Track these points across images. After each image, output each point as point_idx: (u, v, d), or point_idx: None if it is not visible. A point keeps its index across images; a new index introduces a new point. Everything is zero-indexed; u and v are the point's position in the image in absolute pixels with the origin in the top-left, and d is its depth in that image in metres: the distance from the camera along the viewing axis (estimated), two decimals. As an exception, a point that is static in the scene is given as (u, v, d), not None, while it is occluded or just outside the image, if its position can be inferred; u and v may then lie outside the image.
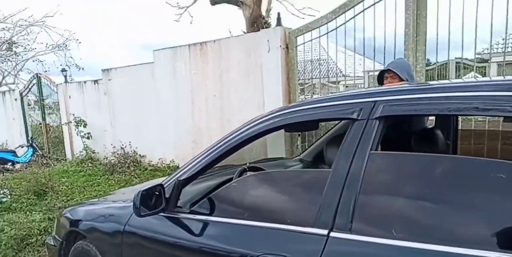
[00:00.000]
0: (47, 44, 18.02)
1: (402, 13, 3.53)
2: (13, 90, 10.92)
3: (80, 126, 7.18)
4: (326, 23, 4.07)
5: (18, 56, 18.91)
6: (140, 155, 6.53)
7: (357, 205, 1.11)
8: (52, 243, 2.51)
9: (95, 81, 7.33)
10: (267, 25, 6.90)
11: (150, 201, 1.60)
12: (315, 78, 5.12)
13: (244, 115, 5.03)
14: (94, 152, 7.08)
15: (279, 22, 4.48)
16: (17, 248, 3.56)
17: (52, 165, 7.53)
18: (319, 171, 1.41)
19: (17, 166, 7.94)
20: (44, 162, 8.13)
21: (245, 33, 6.63)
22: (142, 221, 1.68)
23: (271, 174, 1.61)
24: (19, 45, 18.21)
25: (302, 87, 4.91)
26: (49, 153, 8.82)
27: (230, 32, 7.59)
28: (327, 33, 4.12)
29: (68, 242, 2.35)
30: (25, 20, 17.32)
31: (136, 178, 5.83)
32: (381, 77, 2.60)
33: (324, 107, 1.37)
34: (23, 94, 9.76)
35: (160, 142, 6.30)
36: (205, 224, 1.58)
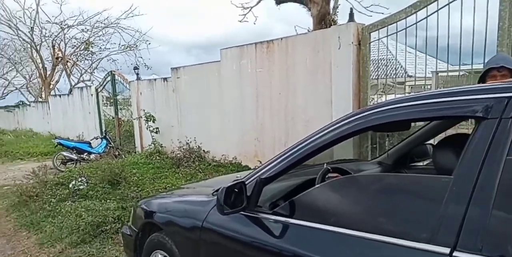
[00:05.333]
0: (119, 44, 19.30)
1: (485, 7, 3.17)
2: (89, 86, 11.77)
3: (150, 121, 7.53)
4: (405, 18, 3.82)
5: (94, 55, 20.49)
6: (204, 150, 6.69)
7: (489, 220, 0.95)
8: (128, 233, 2.61)
9: (165, 79, 7.64)
10: (334, 22, 6.70)
11: (229, 198, 1.57)
12: (382, 78, 4.84)
13: (309, 113, 4.92)
14: (162, 146, 7.38)
15: (351, 18, 4.29)
16: (93, 234, 3.79)
17: (123, 156, 7.98)
18: (430, 178, 1.24)
19: (92, 156, 8.53)
20: (116, 153, 8.65)
21: (309, 31, 6.49)
22: (221, 218, 1.66)
23: (365, 178, 1.48)
24: (95, 45, 19.70)
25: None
26: (120, 145, 9.38)
27: (296, 30, 7.49)
28: (405, 28, 3.85)
29: (143, 233, 2.42)
30: (101, 22, 18.70)
31: (200, 172, 5.97)
32: (483, 77, 2.33)
33: (434, 104, 1.21)
34: (98, 90, 10.48)
35: (223, 139, 6.39)
36: (287, 226, 1.51)
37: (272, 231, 1.56)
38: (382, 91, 5.16)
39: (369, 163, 2.62)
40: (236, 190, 1.59)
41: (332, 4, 7.09)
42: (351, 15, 4.28)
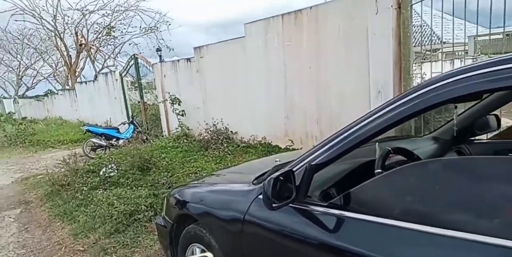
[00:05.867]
0: (140, 27, 19.15)
1: None
2: (114, 71, 11.71)
3: (175, 103, 7.36)
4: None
5: (116, 40, 20.48)
6: (232, 131, 6.47)
7: None
8: (162, 224, 2.44)
9: (188, 59, 7.38)
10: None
11: (274, 189, 1.31)
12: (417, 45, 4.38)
13: (344, 87, 4.57)
14: (189, 129, 7.23)
15: (389, -22, 3.83)
16: (126, 223, 3.68)
17: (151, 141, 7.91)
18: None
19: (120, 142, 8.50)
20: (144, 138, 8.61)
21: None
22: (266, 211, 1.41)
23: (445, 163, 1.17)
24: (116, 29, 19.63)
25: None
26: (147, 129, 9.33)
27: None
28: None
29: (178, 225, 2.23)
30: (121, 6, 18.52)
31: (229, 154, 5.79)
32: None
33: None
34: (123, 74, 10.38)
35: (251, 118, 6.14)
36: (344, 220, 1.25)
37: (327, 226, 1.30)
38: (423, 59, 4.72)
39: (423, 139, 2.29)
40: (282, 178, 1.33)
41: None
42: (389, -25, 3.81)
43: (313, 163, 1.33)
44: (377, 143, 1.70)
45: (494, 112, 2.11)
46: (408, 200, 1.14)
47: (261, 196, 1.53)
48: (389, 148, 1.47)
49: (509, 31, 4.13)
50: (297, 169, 1.37)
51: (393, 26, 3.80)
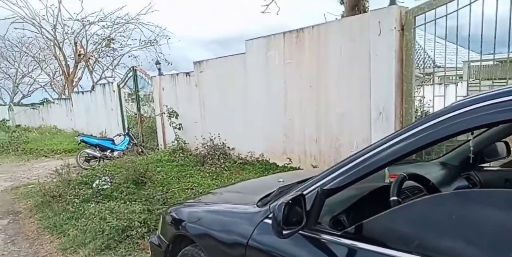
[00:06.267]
0: (140, 40, 19.26)
1: None
2: (111, 82, 11.67)
3: (173, 117, 7.30)
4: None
5: (115, 51, 20.57)
6: (229, 147, 6.40)
7: None
8: (157, 243, 2.34)
9: (187, 74, 7.38)
10: (365, 9, 6.25)
11: (285, 214, 1.24)
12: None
13: (344, 107, 4.55)
14: (185, 143, 7.14)
15: (393, 1, 3.87)
16: (118, 239, 3.56)
17: (147, 154, 7.80)
18: None
19: (115, 153, 8.37)
20: (139, 150, 8.50)
21: (342, 17, 6.07)
22: (272, 237, 1.34)
23: (473, 195, 1.11)
24: (116, 41, 19.73)
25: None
26: (143, 142, 9.22)
27: (325, 18, 7.06)
28: (457, 10, 3.42)
29: (174, 245, 2.14)
30: (122, 18, 18.68)
31: (226, 170, 5.70)
32: None
33: None
34: (120, 86, 10.34)
35: (249, 135, 6.09)
36: (356, 252, 1.18)
37: None
38: (422, 82, 4.75)
39: (431, 164, 2.24)
40: (290, 201, 1.27)
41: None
42: (393, -3, 3.86)
43: (325, 188, 1.27)
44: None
45: (504, 139, 2.09)
46: (428, 233, 1.08)
47: (266, 220, 1.48)
48: (405, 174, 1.41)
49: (500, 58, 4.21)
50: (307, 193, 1.31)
51: (396, 48, 3.82)
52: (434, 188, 1.58)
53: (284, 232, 1.19)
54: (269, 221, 1.46)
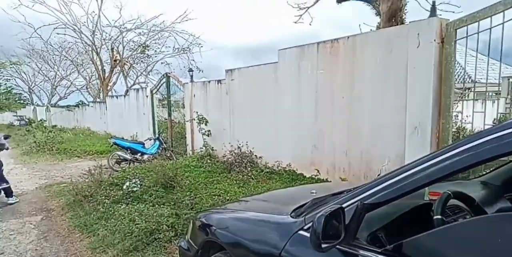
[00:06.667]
0: (173, 47, 19.78)
1: None
2: (145, 88, 11.99)
3: (202, 123, 7.39)
4: (503, 11, 3.27)
5: (149, 58, 21.21)
6: (256, 156, 6.39)
7: None
8: (186, 248, 2.35)
9: (219, 81, 7.47)
10: (402, 21, 6.15)
11: (324, 227, 1.21)
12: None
13: (377, 120, 4.46)
14: (213, 149, 7.21)
15: (433, 13, 3.79)
16: (145, 241, 3.60)
17: (175, 158, 7.91)
18: None
19: (145, 157, 8.55)
20: (168, 155, 8.63)
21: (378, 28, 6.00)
22: (307, 250, 1.32)
23: None
24: (151, 48, 20.35)
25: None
26: (172, 147, 9.38)
27: (360, 29, 7.02)
28: (502, 23, 3.30)
29: (203, 251, 2.14)
30: (158, 26, 19.27)
31: (253, 179, 5.68)
32: None
33: None
34: (153, 91, 10.61)
35: (277, 144, 6.07)
36: None
37: None
38: (460, 97, 4.60)
39: (472, 183, 2.15)
40: (328, 214, 1.24)
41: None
42: (433, 9, 3.78)
43: (366, 202, 1.23)
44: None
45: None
46: (475, 253, 1.03)
47: (301, 232, 1.45)
48: (449, 192, 1.35)
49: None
50: (346, 206, 1.28)
51: (435, 61, 3.72)
52: (479, 208, 1.50)
53: (323, 245, 1.16)
54: (304, 233, 1.43)
